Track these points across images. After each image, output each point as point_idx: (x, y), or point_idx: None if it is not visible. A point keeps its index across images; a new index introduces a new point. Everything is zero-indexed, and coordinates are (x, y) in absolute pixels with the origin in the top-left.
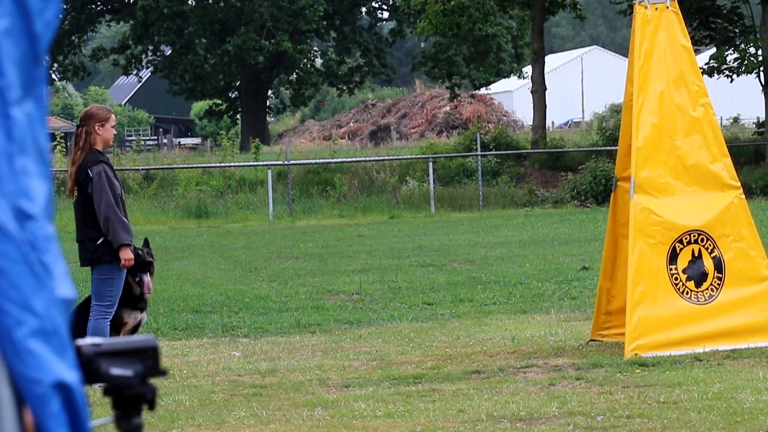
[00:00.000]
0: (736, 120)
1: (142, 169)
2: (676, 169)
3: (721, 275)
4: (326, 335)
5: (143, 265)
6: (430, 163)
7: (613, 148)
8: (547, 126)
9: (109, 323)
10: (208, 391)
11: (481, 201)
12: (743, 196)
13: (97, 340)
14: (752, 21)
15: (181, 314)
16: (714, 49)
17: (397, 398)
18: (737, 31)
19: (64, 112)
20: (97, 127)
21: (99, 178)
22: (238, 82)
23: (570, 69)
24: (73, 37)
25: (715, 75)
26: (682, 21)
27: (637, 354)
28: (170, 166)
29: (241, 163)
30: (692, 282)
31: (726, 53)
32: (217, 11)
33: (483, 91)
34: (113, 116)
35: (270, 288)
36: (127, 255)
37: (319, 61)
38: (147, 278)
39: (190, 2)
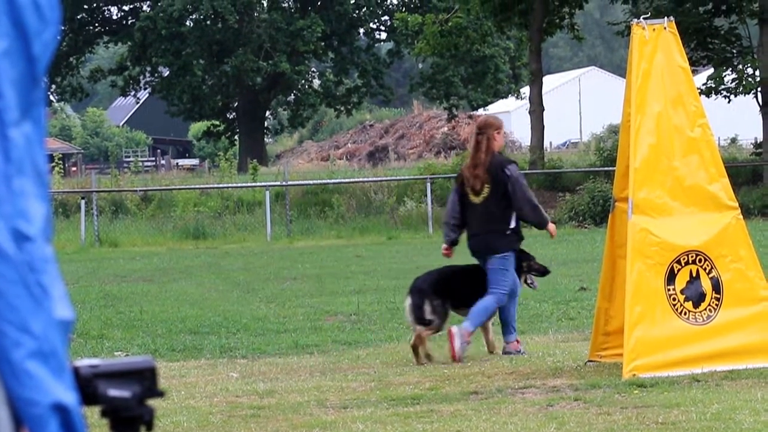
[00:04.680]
0: (733, 140)
1: (140, 190)
2: (673, 189)
3: (719, 296)
4: (324, 356)
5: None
6: (428, 184)
7: (610, 168)
8: (544, 146)
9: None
10: (206, 412)
11: None
12: (741, 217)
13: (95, 361)
14: (750, 42)
15: (179, 335)
16: (712, 70)
17: (395, 419)
18: (735, 51)
19: (62, 133)
20: (495, 134)
21: (518, 175)
22: (236, 103)
23: (568, 89)
24: (71, 59)
25: (713, 95)
26: (680, 42)
27: (635, 375)
28: (168, 187)
29: (239, 184)
30: (690, 302)
31: (724, 74)
32: (215, 32)
33: (481, 111)
34: (503, 126)
35: (268, 309)
36: (554, 227)
37: (317, 82)
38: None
39: (188, 23)
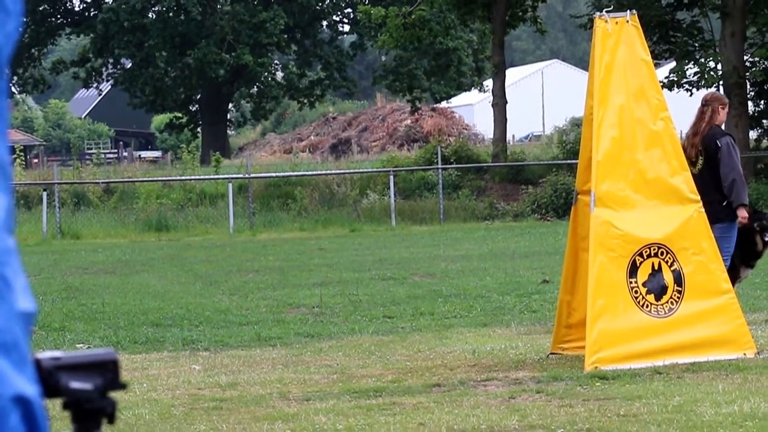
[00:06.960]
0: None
1: (102, 182)
2: (636, 182)
3: (680, 288)
4: (287, 348)
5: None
6: (391, 177)
7: (573, 161)
8: (507, 139)
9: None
10: (168, 404)
11: (442, 214)
12: (703, 210)
13: (57, 353)
14: (712, 35)
15: (141, 328)
16: (674, 63)
17: (357, 412)
18: (697, 45)
19: (24, 125)
20: (719, 108)
21: (726, 147)
22: (199, 96)
23: (530, 82)
24: (33, 50)
25: (675, 89)
26: (642, 35)
27: (597, 367)
28: (130, 179)
29: (202, 177)
30: (652, 295)
31: (686, 67)
32: (178, 24)
33: (444, 104)
34: (728, 105)
35: (230, 301)
36: (743, 213)
37: (279, 75)
38: None
39: (150, 15)
